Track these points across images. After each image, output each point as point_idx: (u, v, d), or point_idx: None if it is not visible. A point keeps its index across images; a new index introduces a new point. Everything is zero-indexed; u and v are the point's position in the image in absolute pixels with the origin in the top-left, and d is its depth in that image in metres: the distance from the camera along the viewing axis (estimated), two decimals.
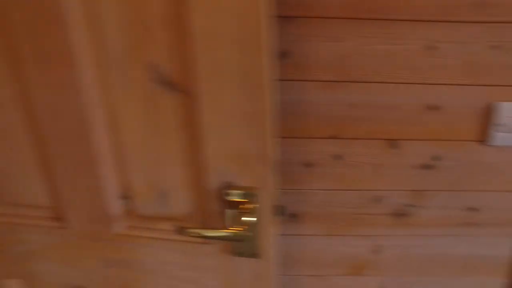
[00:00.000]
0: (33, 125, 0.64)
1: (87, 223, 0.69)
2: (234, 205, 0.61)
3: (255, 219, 0.60)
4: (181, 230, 0.59)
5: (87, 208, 0.68)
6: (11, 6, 0.56)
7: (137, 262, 0.70)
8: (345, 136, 0.83)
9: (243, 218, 0.59)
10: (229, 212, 0.62)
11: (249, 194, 0.60)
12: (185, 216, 0.65)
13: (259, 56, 0.52)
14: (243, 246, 0.63)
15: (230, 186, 0.60)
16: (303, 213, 0.91)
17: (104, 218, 0.68)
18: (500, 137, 0.79)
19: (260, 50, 0.51)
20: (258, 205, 0.60)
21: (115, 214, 0.67)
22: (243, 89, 0.53)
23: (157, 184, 0.64)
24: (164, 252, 0.68)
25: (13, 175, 0.70)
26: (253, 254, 0.63)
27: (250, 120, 0.55)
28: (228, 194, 0.60)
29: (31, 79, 0.59)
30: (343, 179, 0.87)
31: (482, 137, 0.83)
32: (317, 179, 0.87)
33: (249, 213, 0.59)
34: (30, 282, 0.80)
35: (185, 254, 0.67)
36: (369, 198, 0.89)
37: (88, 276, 0.75)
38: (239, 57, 0.52)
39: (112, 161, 0.64)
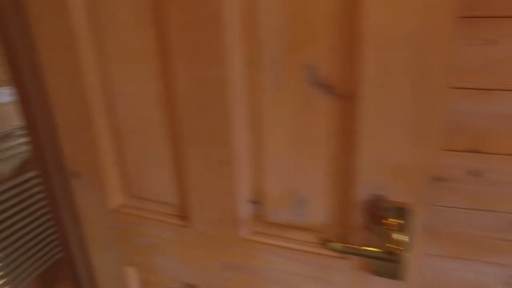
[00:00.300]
0: (173, 121, 0.64)
1: (211, 224, 0.68)
2: (381, 220, 0.55)
3: (407, 238, 0.54)
4: (325, 243, 0.55)
5: (214, 209, 0.66)
6: (168, 1, 0.55)
7: (258, 268, 0.68)
8: (486, 150, 0.74)
9: (393, 236, 0.54)
10: (375, 227, 0.56)
11: (401, 210, 0.54)
12: (321, 227, 0.61)
13: (438, 60, 0.46)
14: (386, 265, 0.57)
15: (380, 200, 0.55)
16: (427, 230, 0.83)
17: (230, 221, 0.66)
18: None
19: (441, 54, 0.45)
20: (409, 223, 0.54)
21: (242, 218, 0.65)
22: (414, 95, 0.48)
23: (293, 191, 0.60)
24: (289, 262, 0.65)
25: (144, 169, 0.71)
26: (395, 275, 0.57)
27: (416, 130, 0.49)
28: (376, 208, 0.55)
29: (178, 74, 0.59)
30: (479, 198, 0.78)
31: None
32: (448, 195, 0.79)
33: (399, 230, 0.54)
34: (145, 273, 0.82)
35: (313, 266, 0.63)
36: (509, 222, 0.78)
37: (203, 276, 0.74)
38: (414, 60, 0.46)
39: (248, 163, 0.62)
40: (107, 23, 0.63)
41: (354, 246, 0.53)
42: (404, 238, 0.54)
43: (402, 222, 0.54)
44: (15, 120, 1.85)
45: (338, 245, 0.54)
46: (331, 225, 0.60)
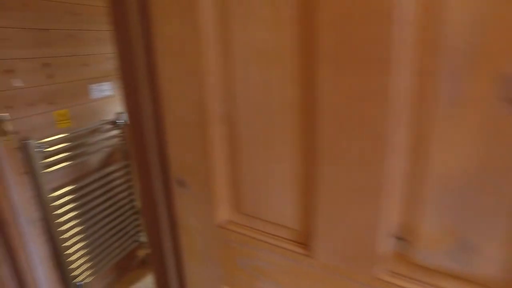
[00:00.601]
0: (307, 134, 0.55)
1: (339, 256, 0.58)
2: None
3: None
4: None
5: (345, 240, 0.56)
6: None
7: None
8: None
9: None
10: None
11: None
12: (494, 282, 0.48)
13: None
14: None
15: None
16: None
17: (364, 256, 0.56)
18: None
19: None
20: None
21: (380, 255, 0.54)
22: None
23: (457, 231, 0.48)
24: None
25: (262, 186, 0.63)
26: None
27: None
28: None
29: (322, 81, 0.50)
30: None
31: None
32: None
33: None
34: None
35: None
36: None
37: None
38: None
39: (401, 191, 0.51)
40: (237, 21, 0.56)
41: None
42: None
43: None
44: (103, 115, 1.93)
45: None
46: (511, 282, 0.47)
